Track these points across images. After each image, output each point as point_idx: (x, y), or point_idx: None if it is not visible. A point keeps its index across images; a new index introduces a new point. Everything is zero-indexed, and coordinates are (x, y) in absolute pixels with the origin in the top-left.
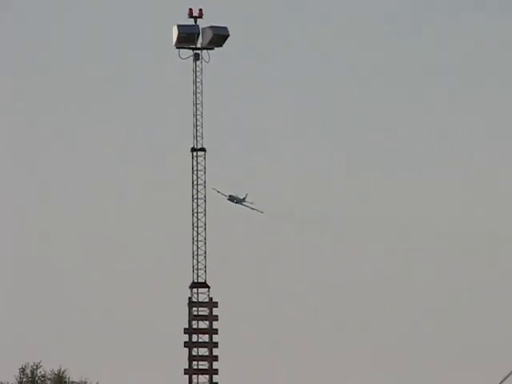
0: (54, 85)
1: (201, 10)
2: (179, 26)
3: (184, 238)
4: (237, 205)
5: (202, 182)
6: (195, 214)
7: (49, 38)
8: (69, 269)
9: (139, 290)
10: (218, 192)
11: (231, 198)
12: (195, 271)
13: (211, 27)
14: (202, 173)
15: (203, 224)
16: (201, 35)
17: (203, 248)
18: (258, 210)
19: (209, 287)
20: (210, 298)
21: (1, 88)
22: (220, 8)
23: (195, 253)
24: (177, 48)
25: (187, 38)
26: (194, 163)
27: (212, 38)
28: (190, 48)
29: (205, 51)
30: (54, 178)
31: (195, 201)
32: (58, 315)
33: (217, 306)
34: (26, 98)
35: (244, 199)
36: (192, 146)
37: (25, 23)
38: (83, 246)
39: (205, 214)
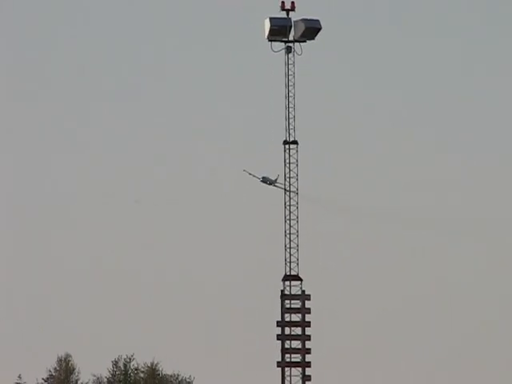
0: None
1: (293, 2)
2: (271, 19)
3: (276, 232)
4: (270, 186)
5: (295, 175)
6: (287, 207)
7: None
8: (158, 263)
9: (233, 283)
10: (250, 174)
11: (264, 180)
12: (288, 264)
13: (303, 20)
14: (295, 165)
15: (295, 217)
16: (293, 28)
17: (296, 241)
18: (291, 191)
19: (301, 280)
20: (303, 291)
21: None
22: (312, 1)
23: (288, 246)
24: (269, 41)
25: (279, 30)
26: (286, 156)
27: (304, 30)
28: (282, 41)
29: (297, 44)
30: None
31: (287, 194)
32: (150, 310)
33: (309, 299)
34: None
35: (276, 180)
36: (284, 138)
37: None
38: (181, 239)
39: (297, 208)
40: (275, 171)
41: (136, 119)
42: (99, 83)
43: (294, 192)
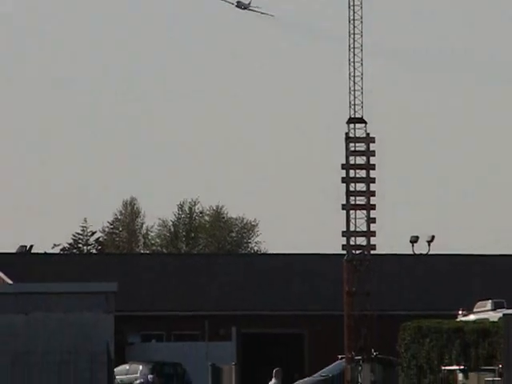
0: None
1: None
2: None
3: (341, 74)
4: (244, 11)
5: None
6: (351, 50)
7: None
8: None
9: (298, 126)
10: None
11: (239, 5)
12: (352, 107)
13: None
14: (359, 8)
15: (360, 60)
16: None
17: (360, 83)
18: (268, 14)
19: (366, 122)
20: (367, 134)
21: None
22: None
23: (352, 88)
24: None
25: None
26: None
27: None
28: None
29: None
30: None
31: (352, 37)
32: (215, 154)
33: (374, 142)
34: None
35: (249, 4)
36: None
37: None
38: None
39: (361, 49)
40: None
41: None
42: None
43: (270, 15)
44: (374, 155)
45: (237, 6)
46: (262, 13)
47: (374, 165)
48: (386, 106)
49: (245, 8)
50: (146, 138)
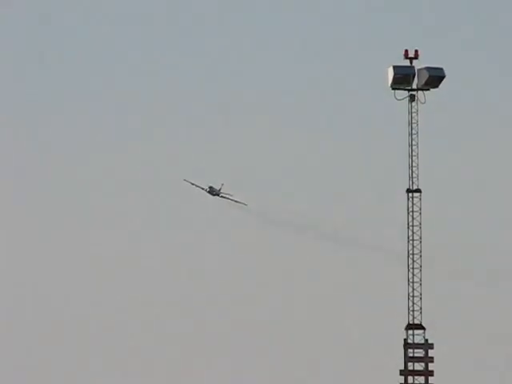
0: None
1: (416, 51)
2: (395, 67)
3: (400, 280)
4: (215, 197)
5: (418, 224)
6: (411, 256)
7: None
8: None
9: (357, 332)
10: (193, 184)
11: (211, 191)
12: (411, 313)
13: (427, 68)
14: (418, 214)
15: (419, 266)
16: (416, 76)
17: (419, 289)
18: (241, 203)
19: (424, 329)
20: (426, 340)
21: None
22: (436, 49)
23: (411, 294)
24: (392, 89)
25: (403, 78)
26: (410, 204)
27: (428, 78)
28: (405, 89)
29: (420, 92)
30: None
31: (410, 242)
32: None
33: (432, 348)
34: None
35: (220, 190)
36: (407, 187)
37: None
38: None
39: (420, 256)
40: (398, 219)
41: None
42: None
43: (243, 204)
44: (432, 361)
45: (209, 191)
46: (236, 201)
47: (432, 371)
48: (446, 313)
49: (216, 194)
50: None
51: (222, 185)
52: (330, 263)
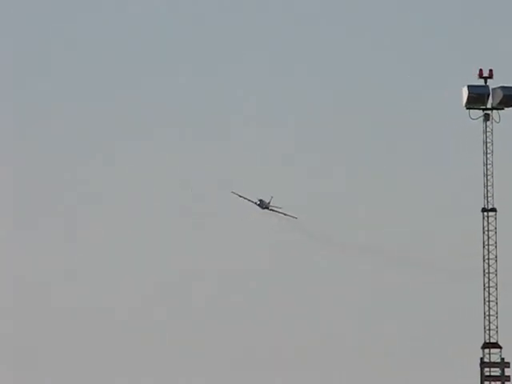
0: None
1: (491, 70)
2: (469, 87)
3: (475, 299)
4: (265, 210)
5: (493, 243)
6: (486, 275)
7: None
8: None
9: (433, 351)
10: (240, 196)
11: (261, 204)
12: (487, 331)
13: (502, 87)
14: (493, 233)
15: (494, 284)
16: (491, 95)
17: (495, 308)
18: (291, 216)
19: (501, 347)
20: (502, 359)
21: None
22: (510, 68)
23: (487, 313)
24: (467, 109)
25: (477, 98)
26: (485, 223)
27: (502, 98)
28: (480, 108)
29: (495, 111)
30: None
31: (486, 261)
32: None
33: (509, 367)
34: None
35: (269, 203)
36: (483, 206)
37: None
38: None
39: (496, 275)
40: (473, 239)
41: None
42: None
43: (293, 217)
44: (508, 380)
45: (259, 204)
46: (286, 214)
47: None
48: None
49: (265, 207)
50: None
51: (272, 197)
52: (400, 285)
